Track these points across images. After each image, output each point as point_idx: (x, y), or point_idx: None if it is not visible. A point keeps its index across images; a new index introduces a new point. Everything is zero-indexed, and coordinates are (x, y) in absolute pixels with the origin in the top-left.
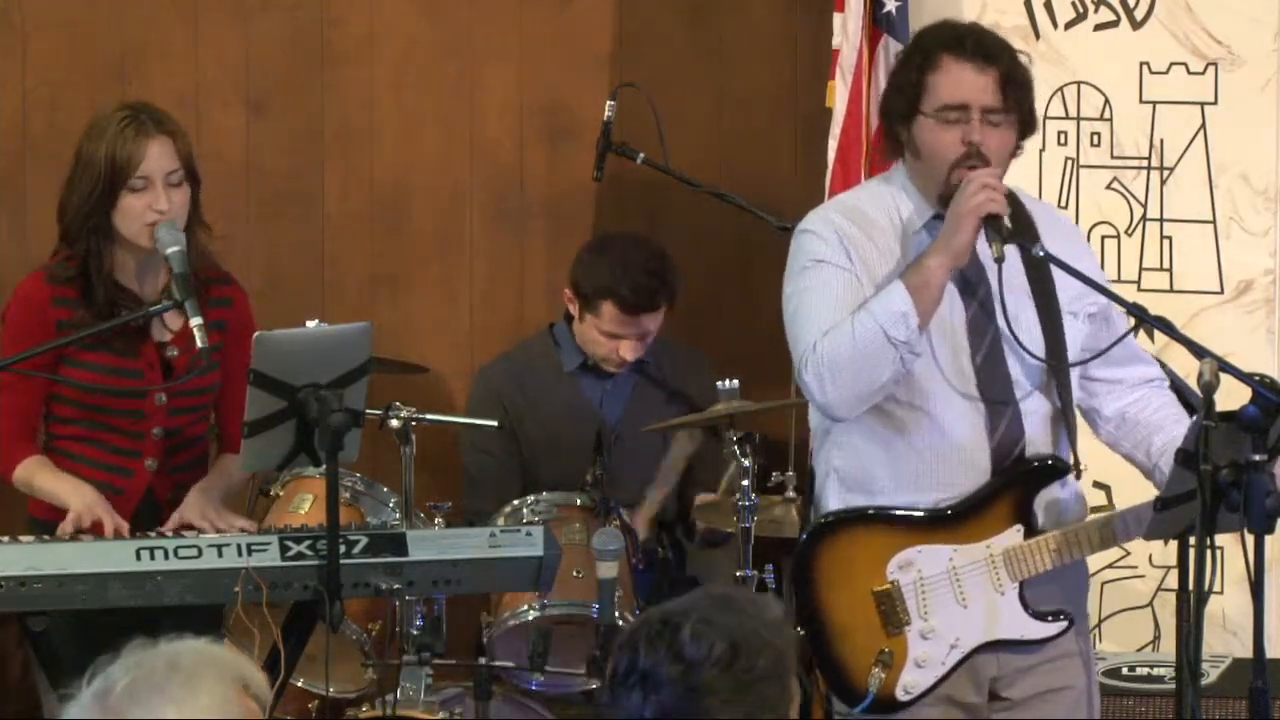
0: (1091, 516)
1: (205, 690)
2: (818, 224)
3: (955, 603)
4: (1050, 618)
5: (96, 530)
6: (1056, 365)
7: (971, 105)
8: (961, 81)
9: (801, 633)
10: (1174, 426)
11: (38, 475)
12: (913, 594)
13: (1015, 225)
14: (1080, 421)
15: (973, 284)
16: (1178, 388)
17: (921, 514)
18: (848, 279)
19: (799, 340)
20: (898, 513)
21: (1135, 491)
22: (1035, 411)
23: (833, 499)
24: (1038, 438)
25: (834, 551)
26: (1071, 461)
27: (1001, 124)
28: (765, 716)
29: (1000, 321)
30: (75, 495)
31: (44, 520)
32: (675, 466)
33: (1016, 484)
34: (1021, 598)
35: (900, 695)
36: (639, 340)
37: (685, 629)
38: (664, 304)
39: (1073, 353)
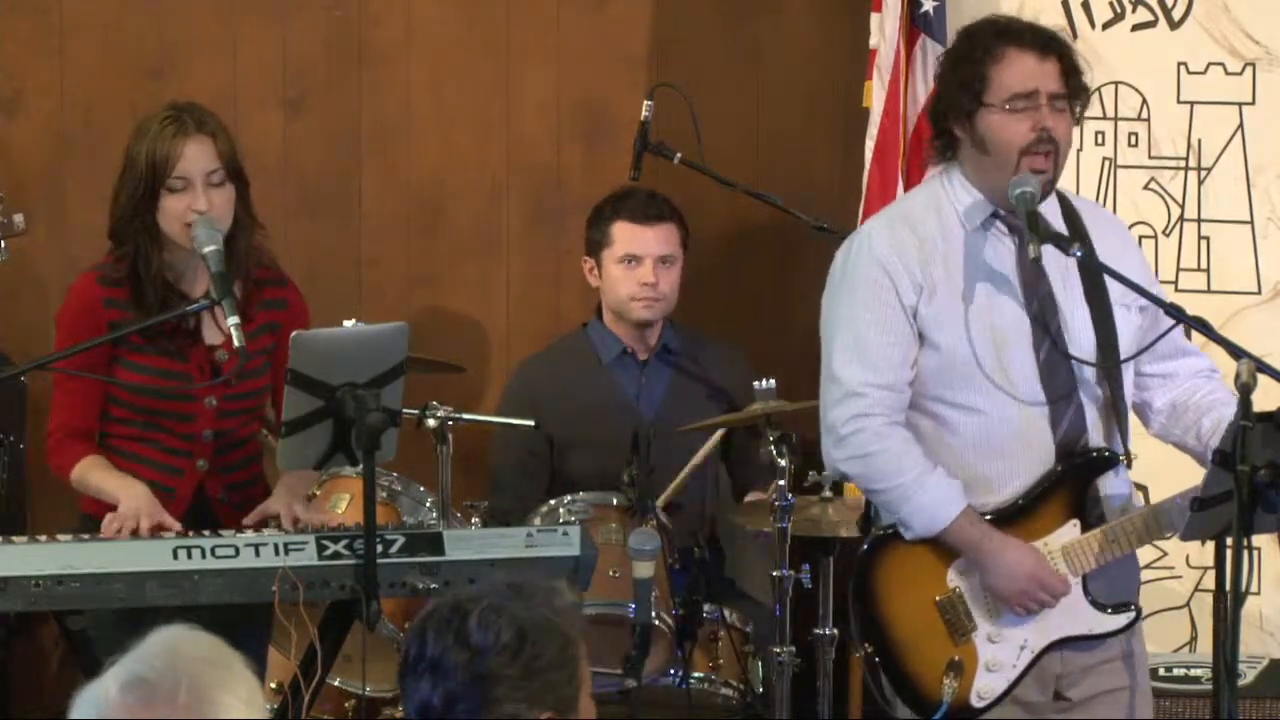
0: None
1: (245, 681)
2: (883, 245)
3: None
4: (1112, 609)
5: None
6: (1103, 364)
7: (1040, 91)
8: (1028, 70)
9: (869, 649)
10: (1224, 408)
11: (92, 474)
12: (976, 598)
13: (1068, 225)
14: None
15: (1032, 284)
16: None
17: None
18: (902, 321)
19: (841, 375)
20: None
21: (1172, 490)
22: (1093, 405)
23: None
24: (1096, 432)
25: (893, 563)
26: (1123, 452)
27: (1065, 110)
28: (551, 703)
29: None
30: (126, 494)
31: (94, 516)
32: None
33: (1068, 478)
34: (1086, 592)
35: (975, 702)
36: (657, 264)
37: (473, 616)
38: (671, 221)
39: (1126, 345)
